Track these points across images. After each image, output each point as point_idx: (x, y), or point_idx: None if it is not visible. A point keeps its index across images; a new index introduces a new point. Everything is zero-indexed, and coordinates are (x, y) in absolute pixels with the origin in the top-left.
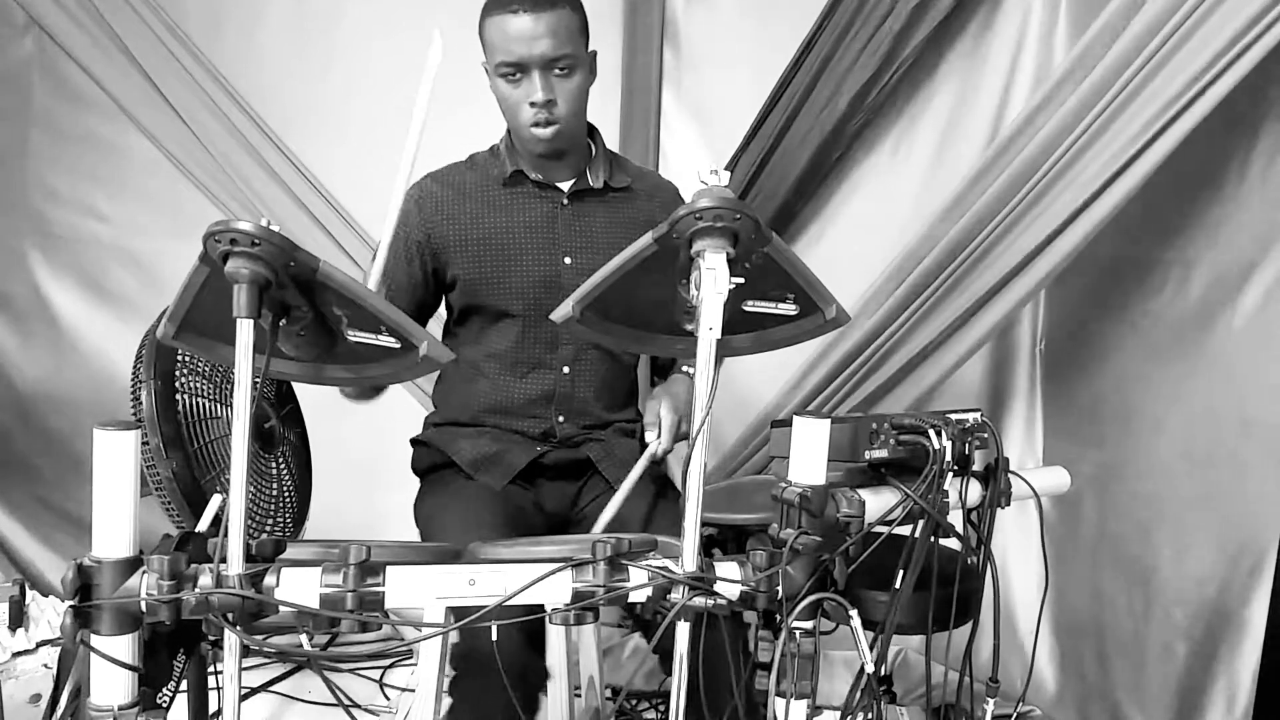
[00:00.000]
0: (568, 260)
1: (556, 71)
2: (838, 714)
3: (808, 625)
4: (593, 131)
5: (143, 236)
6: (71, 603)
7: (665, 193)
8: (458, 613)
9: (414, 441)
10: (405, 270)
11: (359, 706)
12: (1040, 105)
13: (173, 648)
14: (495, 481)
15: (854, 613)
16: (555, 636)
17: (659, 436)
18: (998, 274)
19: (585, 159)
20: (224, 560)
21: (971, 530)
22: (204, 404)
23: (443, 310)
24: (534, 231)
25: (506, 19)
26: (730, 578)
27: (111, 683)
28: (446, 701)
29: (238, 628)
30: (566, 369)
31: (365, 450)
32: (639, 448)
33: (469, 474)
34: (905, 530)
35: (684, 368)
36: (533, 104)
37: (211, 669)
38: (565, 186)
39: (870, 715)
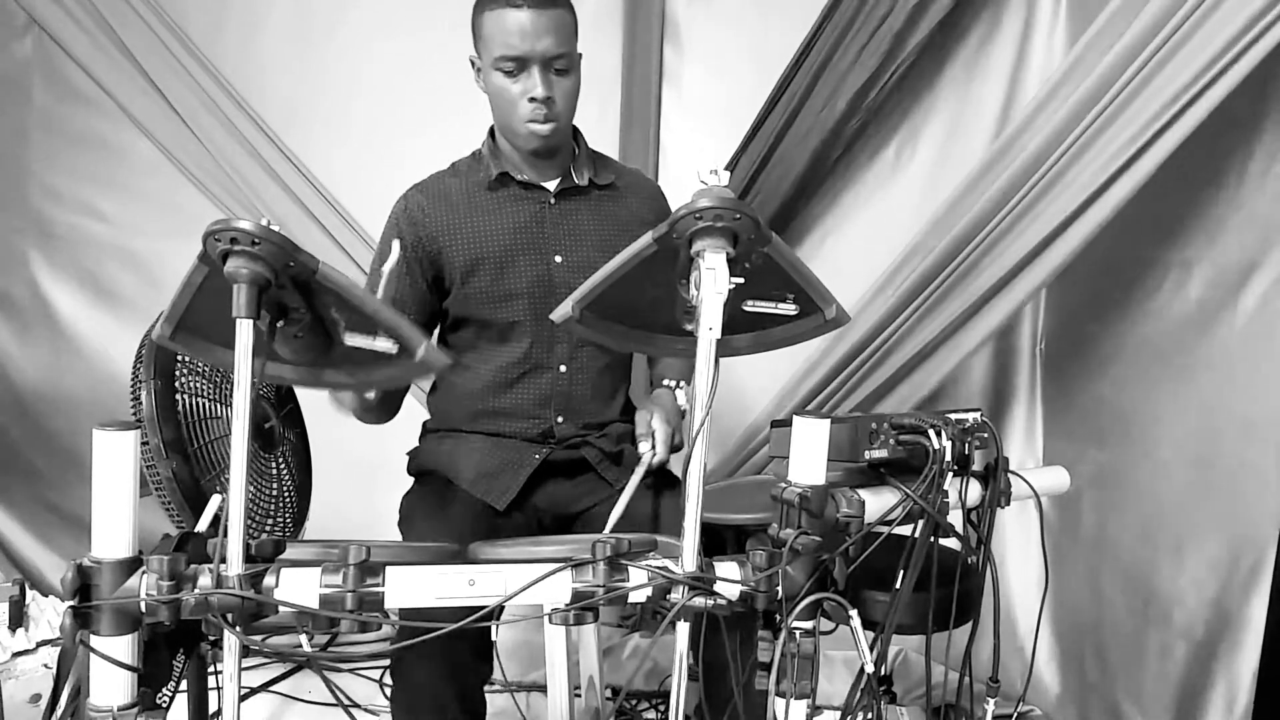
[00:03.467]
0: (558, 259)
1: (555, 69)
2: (838, 714)
3: (808, 625)
4: (575, 131)
5: (143, 236)
6: (71, 603)
7: (648, 190)
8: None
9: (411, 452)
10: (410, 285)
11: (359, 706)
12: (1041, 105)
13: (172, 648)
14: (497, 501)
15: (854, 613)
16: (555, 636)
17: (653, 447)
18: (998, 274)
19: (570, 158)
20: (224, 560)
21: (971, 530)
22: (204, 404)
23: None
24: (523, 232)
25: (508, 13)
26: (730, 578)
27: (111, 683)
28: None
29: (237, 628)
30: (564, 368)
31: (365, 450)
32: (635, 455)
33: (471, 493)
34: (905, 530)
35: (665, 381)
36: (532, 99)
37: (211, 669)
38: (551, 186)
39: (870, 715)
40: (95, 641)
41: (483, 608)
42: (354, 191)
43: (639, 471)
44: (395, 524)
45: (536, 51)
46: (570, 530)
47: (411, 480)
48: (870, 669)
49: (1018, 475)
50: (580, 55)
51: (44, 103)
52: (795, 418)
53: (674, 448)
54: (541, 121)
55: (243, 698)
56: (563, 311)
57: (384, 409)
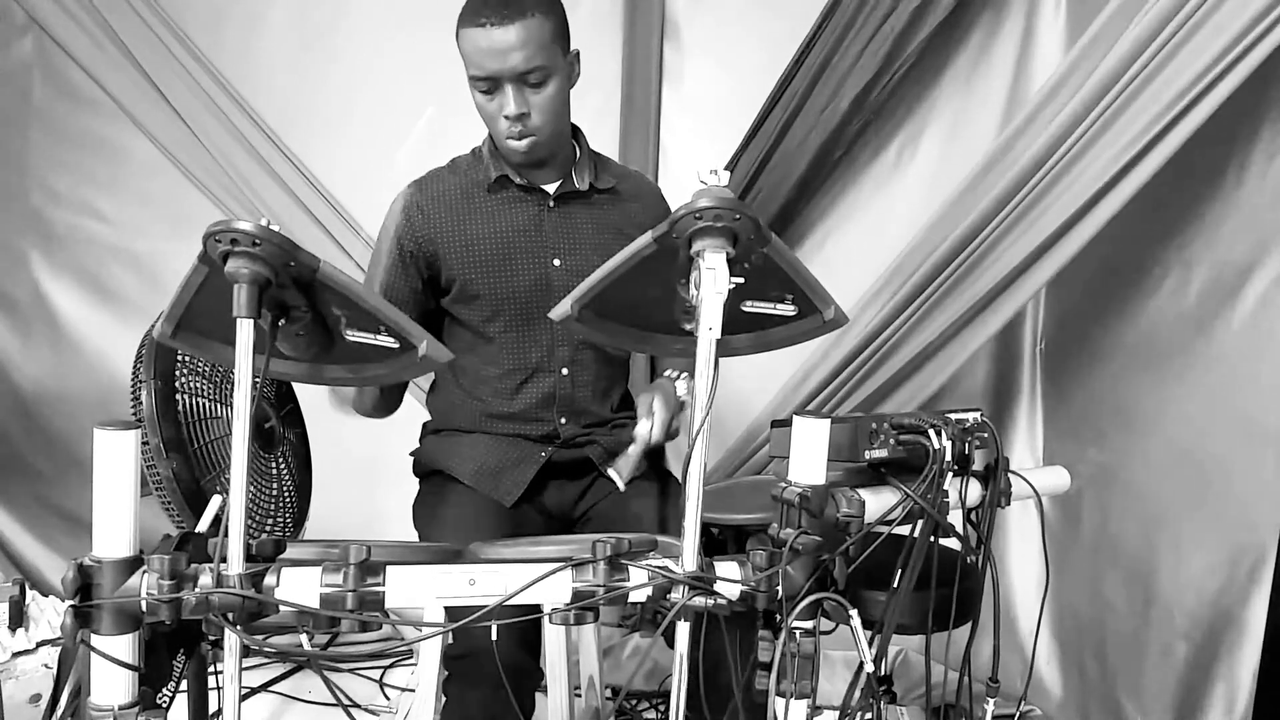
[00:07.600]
0: (556, 262)
1: (529, 83)
2: (838, 714)
3: (808, 625)
4: (576, 133)
5: (143, 237)
6: (72, 602)
7: (650, 195)
8: (456, 613)
9: (414, 453)
10: (405, 282)
11: (359, 706)
12: (1042, 105)
13: (173, 648)
14: (505, 498)
15: (854, 613)
16: (554, 636)
17: (651, 428)
18: (999, 275)
19: (570, 160)
20: (224, 560)
21: (971, 530)
22: (204, 404)
23: None
24: (522, 235)
25: (475, 32)
26: (730, 578)
27: (111, 682)
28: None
29: (238, 628)
30: (565, 370)
31: (365, 450)
32: (630, 438)
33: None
34: (905, 530)
35: (667, 372)
36: (506, 117)
37: (211, 669)
38: (551, 189)
39: (870, 715)
40: (96, 641)
41: (483, 607)
42: (354, 191)
43: (636, 448)
44: (395, 523)
45: (505, 69)
46: (575, 531)
47: (417, 482)
48: (870, 669)
49: (1018, 475)
50: (575, 53)
51: (44, 103)
52: (795, 417)
53: (670, 434)
54: (518, 138)
55: (243, 698)
56: (561, 310)
57: (386, 403)
